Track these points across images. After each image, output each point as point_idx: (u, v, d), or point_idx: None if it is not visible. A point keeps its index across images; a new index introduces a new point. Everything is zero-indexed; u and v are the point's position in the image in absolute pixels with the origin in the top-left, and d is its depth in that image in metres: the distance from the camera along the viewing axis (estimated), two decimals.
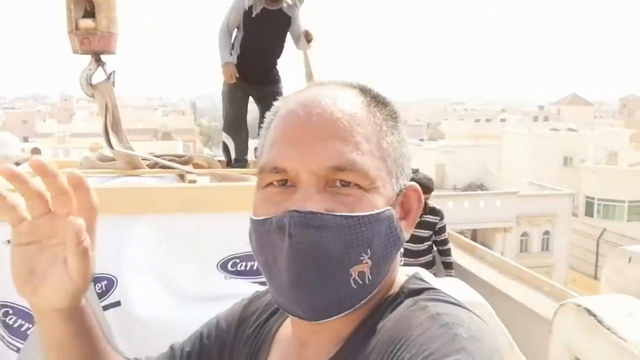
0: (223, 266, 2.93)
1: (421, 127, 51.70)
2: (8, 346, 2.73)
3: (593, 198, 26.79)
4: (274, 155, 0.69)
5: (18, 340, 2.73)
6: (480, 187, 26.45)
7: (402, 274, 0.77)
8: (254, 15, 3.85)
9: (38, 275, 0.65)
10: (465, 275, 4.72)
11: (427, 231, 4.72)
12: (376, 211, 0.67)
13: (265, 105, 4.15)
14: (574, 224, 22.93)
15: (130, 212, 2.75)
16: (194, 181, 3.11)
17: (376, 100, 0.73)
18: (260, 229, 0.69)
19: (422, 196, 0.76)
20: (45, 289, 0.65)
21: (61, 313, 0.69)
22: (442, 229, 4.80)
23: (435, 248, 4.87)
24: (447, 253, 4.87)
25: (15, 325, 2.72)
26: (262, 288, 3.06)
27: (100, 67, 3.41)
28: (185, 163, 3.49)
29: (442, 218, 4.79)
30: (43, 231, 0.65)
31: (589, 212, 26.99)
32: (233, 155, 4.11)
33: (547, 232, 21.67)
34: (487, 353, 0.59)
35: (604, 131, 35.30)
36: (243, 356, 0.83)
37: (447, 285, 2.59)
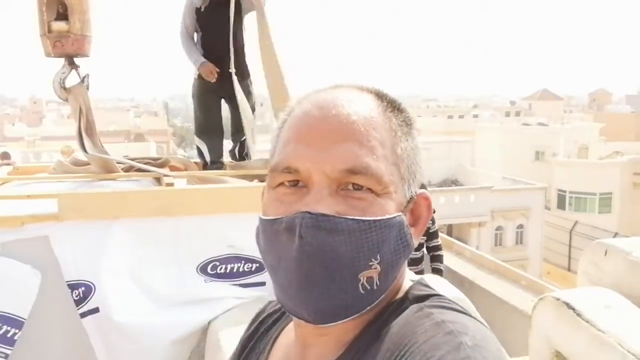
0: (203, 269, 2.91)
1: None
2: None
3: (565, 191, 27.25)
4: (287, 155, 0.68)
5: (5, 346, 2.68)
6: (455, 182, 26.68)
7: (408, 279, 0.76)
8: (202, 10, 3.82)
9: None
10: (445, 272, 4.73)
11: (421, 237, 4.21)
12: (388, 216, 0.66)
13: (235, 104, 4.11)
14: (546, 217, 23.29)
15: (106, 217, 2.71)
16: (171, 184, 3.08)
17: (392, 106, 0.73)
18: (270, 229, 0.68)
19: (432, 204, 0.75)
20: None
21: None
22: (435, 234, 4.41)
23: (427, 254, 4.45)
24: (438, 259, 4.41)
25: (1, 332, 2.67)
26: (243, 290, 3.02)
27: (73, 70, 3.36)
28: (161, 166, 3.46)
29: (434, 222, 4.42)
30: None
31: (561, 205, 27.45)
32: (208, 159, 4.07)
33: (520, 226, 21.98)
34: None
35: (574, 125, 35.88)
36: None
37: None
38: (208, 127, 4.08)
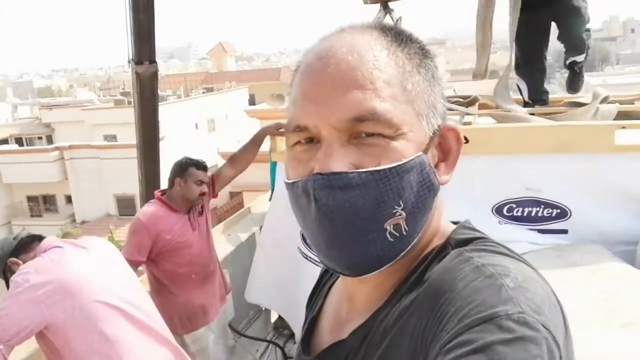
0: (498, 210, 2.85)
1: None
2: (317, 265, 3.20)
3: None
4: (296, 113, 0.68)
5: None
6: None
7: (447, 220, 0.73)
8: None
9: None
10: None
11: None
12: (404, 161, 0.64)
13: (560, 26, 3.67)
14: None
15: None
16: (468, 123, 3.06)
17: (398, 40, 0.68)
18: (292, 192, 0.69)
19: (461, 135, 0.70)
20: None
21: None
22: None
23: None
24: None
25: None
26: (540, 236, 2.88)
27: (387, 15, 3.55)
28: (470, 104, 3.45)
29: None
30: None
31: None
32: (525, 96, 3.81)
33: None
34: (536, 302, 0.56)
35: None
36: (309, 311, 0.88)
37: None
38: (525, 61, 3.80)
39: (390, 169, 0.63)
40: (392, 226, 0.64)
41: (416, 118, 0.66)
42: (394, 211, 0.64)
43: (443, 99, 0.71)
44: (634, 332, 1.96)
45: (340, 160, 0.63)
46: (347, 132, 0.64)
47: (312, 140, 0.67)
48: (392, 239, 0.64)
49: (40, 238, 2.23)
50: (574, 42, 3.64)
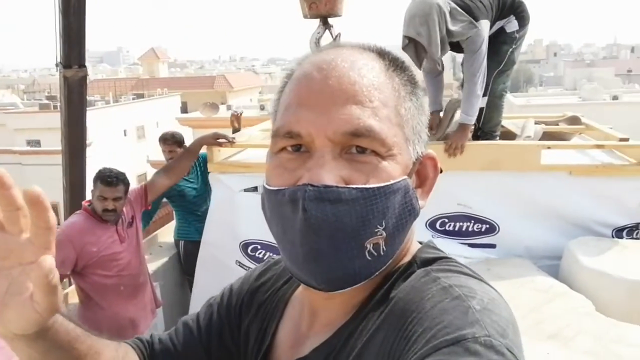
0: (431, 224, 2.92)
1: None
2: None
3: None
4: (289, 119, 0.66)
5: None
6: None
7: (415, 241, 0.74)
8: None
9: None
10: None
11: None
12: (392, 182, 0.64)
13: None
14: None
15: None
16: None
17: (395, 65, 0.70)
18: (273, 200, 0.67)
19: (439, 164, 0.72)
20: (5, 317, 0.58)
21: (24, 337, 0.61)
22: None
23: None
24: None
25: (265, 258, 3.13)
26: (471, 250, 2.96)
27: (327, 30, 3.58)
28: None
29: None
30: None
31: None
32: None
33: None
34: (501, 325, 0.57)
35: None
36: (257, 323, 0.84)
37: None
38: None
39: (379, 188, 0.63)
40: (371, 245, 0.64)
41: (405, 142, 0.67)
42: (376, 230, 0.64)
43: (427, 128, 0.73)
44: (559, 343, 2.05)
45: (331, 172, 0.63)
46: (340, 145, 0.64)
47: (300, 149, 0.66)
48: (369, 258, 0.64)
49: None
50: None
